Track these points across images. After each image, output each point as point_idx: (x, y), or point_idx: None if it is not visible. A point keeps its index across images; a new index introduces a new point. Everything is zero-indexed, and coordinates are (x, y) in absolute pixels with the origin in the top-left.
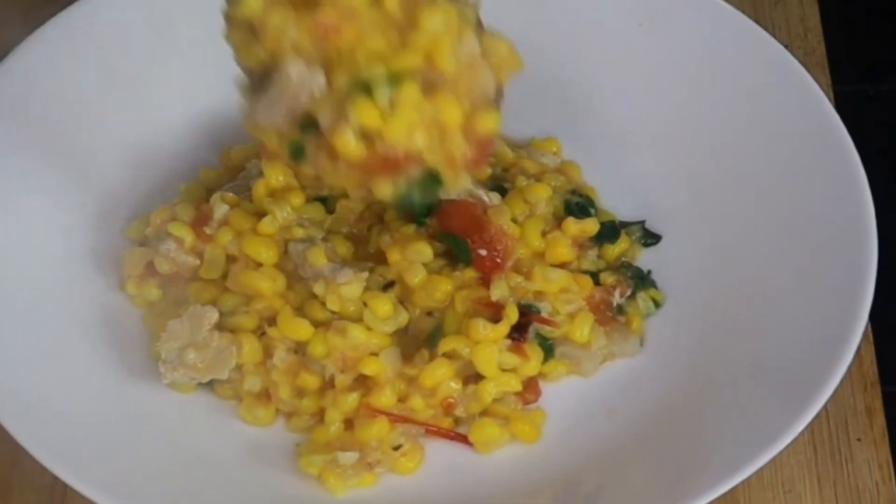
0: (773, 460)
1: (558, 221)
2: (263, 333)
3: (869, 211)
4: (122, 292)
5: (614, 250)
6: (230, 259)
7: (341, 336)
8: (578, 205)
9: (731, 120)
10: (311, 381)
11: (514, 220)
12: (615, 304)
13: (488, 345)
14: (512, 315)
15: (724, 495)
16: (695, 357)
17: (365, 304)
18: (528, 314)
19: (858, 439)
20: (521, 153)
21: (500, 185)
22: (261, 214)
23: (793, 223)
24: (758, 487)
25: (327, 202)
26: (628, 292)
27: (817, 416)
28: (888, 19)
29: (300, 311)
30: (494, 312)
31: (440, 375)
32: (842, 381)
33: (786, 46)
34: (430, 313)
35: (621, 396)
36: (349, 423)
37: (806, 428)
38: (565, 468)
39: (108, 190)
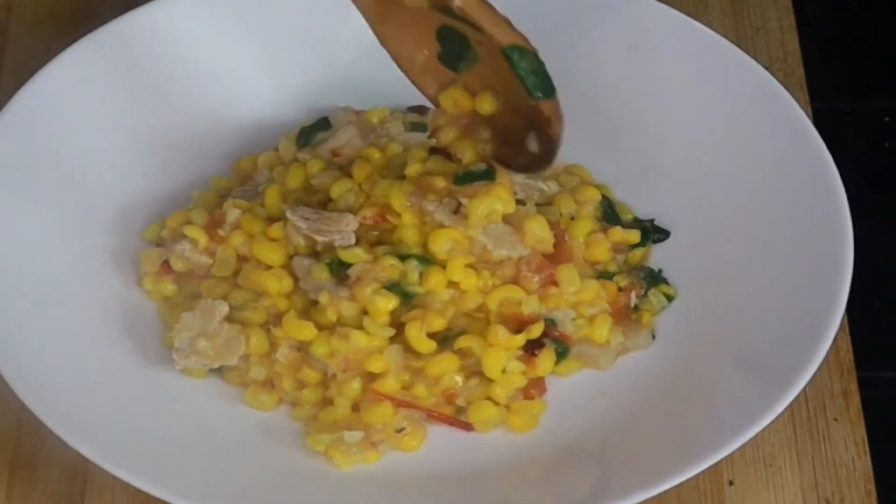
0: (755, 437)
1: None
2: (270, 328)
3: (845, 215)
4: (140, 288)
5: (637, 255)
6: (241, 259)
7: (344, 341)
8: (612, 210)
9: (719, 134)
10: (312, 375)
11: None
12: (633, 304)
13: (500, 350)
14: (535, 331)
15: (710, 468)
16: (686, 344)
17: (365, 312)
18: (547, 330)
19: (835, 419)
20: None
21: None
22: (271, 218)
23: (776, 226)
24: (741, 462)
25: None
26: (642, 292)
27: (796, 399)
28: (859, 44)
29: (305, 313)
30: (517, 322)
31: (445, 367)
32: (820, 367)
33: (767, 69)
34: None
35: (613, 380)
36: (355, 407)
37: (786, 409)
38: (559, 445)
39: (127, 196)
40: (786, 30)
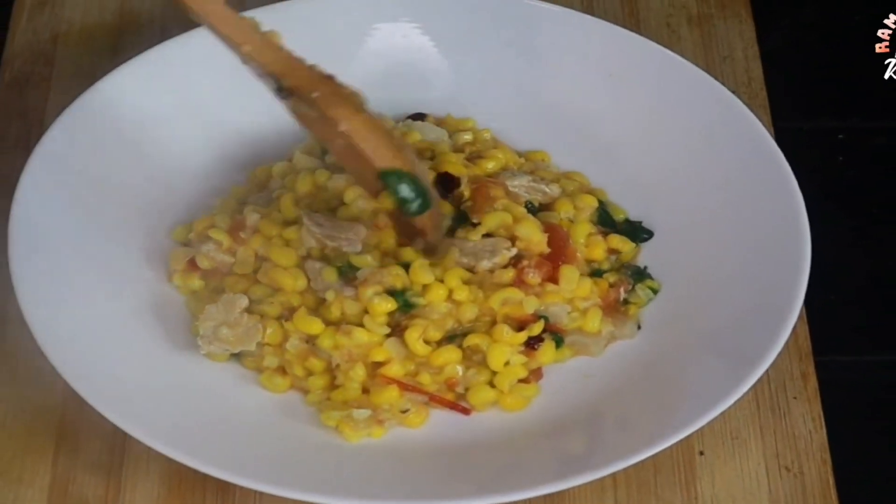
0: (723, 413)
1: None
2: (284, 321)
3: (803, 220)
4: (170, 283)
5: (629, 255)
6: (259, 258)
7: (347, 336)
8: (606, 213)
9: (693, 150)
10: (317, 364)
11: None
12: (622, 298)
13: (505, 346)
14: (536, 329)
15: (682, 441)
16: (663, 332)
17: (366, 311)
18: (546, 326)
19: (795, 397)
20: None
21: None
22: (286, 222)
23: (743, 229)
24: (710, 435)
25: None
26: (630, 288)
27: (760, 380)
28: (816, 71)
29: (315, 310)
30: (518, 321)
31: (448, 358)
32: (781, 352)
33: (733, 92)
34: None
35: (597, 363)
36: (365, 389)
37: (751, 388)
38: (547, 421)
39: (158, 203)
40: (750, 59)
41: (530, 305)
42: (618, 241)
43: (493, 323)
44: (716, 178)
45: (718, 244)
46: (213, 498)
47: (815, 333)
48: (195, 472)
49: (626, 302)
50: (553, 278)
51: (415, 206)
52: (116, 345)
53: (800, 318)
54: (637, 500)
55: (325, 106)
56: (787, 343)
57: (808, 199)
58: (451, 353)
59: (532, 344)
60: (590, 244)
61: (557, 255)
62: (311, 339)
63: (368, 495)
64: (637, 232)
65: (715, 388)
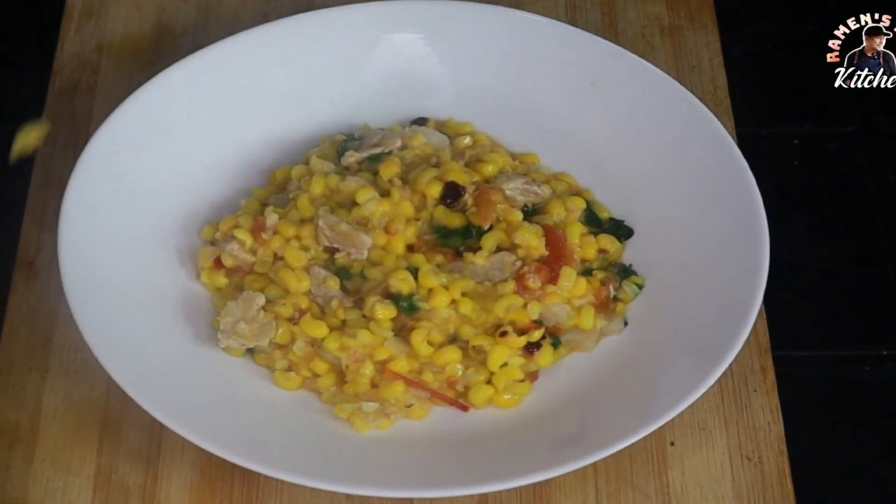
0: (691, 405)
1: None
2: (293, 324)
3: (763, 223)
4: (198, 281)
5: (616, 253)
6: (277, 258)
7: (353, 338)
8: (593, 213)
9: (661, 153)
10: (321, 366)
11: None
12: (612, 296)
13: (505, 349)
14: (536, 336)
15: (655, 432)
16: (636, 331)
17: (365, 316)
18: (546, 329)
19: (755, 390)
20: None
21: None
22: (303, 220)
23: (708, 233)
24: (680, 426)
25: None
26: (618, 285)
27: (724, 374)
28: (776, 79)
29: (322, 315)
30: (519, 327)
31: (449, 357)
32: (743, 347)
33: (700, 99)
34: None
35: (579, 357)
36: (374, 384)
37: (716, 382)
38: (535, 416)
39: (189, 204)
40: (715, 67)
41: (534, 311)
42: (606, 240)
43: (498, 326)
44: (684, 183)
45: (685, 246)
46: (241, 485)
47: (772, 330)
48: (224, 461)
49: (615, 299)
50: (552, 280)
51: None
52: (153, 340)
53: (759, 314)
54: (615, 489)
55: None
56: (748, 339)
57: (767, 200)
58: (452, 354)
59: (531, 349)
60: (583, 244)
61: (557, 256)
62: (316, 343)
63: (378, 484)
64: (621, 230)
65: (685, 382)
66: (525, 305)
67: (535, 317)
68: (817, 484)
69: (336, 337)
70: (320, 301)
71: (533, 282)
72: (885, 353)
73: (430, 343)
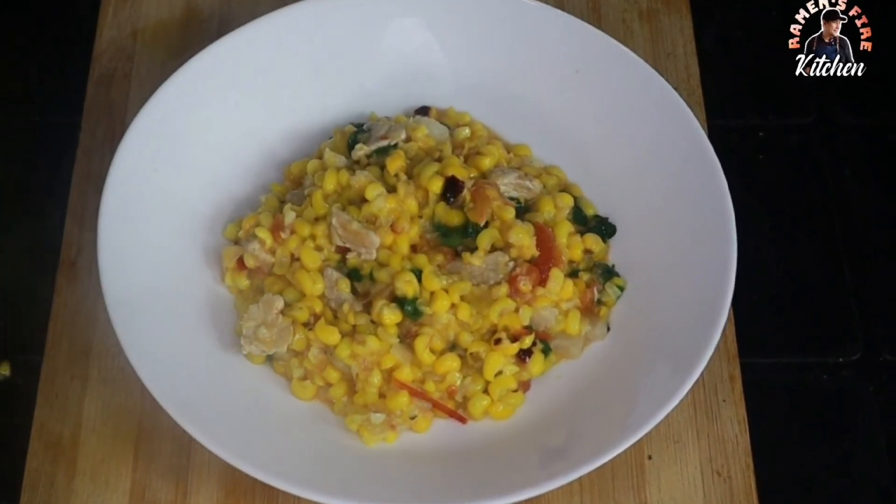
0: (667, 417)
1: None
2: (308, 329)
3: (732, 226)
4: (222, 283)
5: (601, 253)
6: (294, 259)
7: (362, 345)
8: (580, 210)
9: (636, 140)
10: (334, 375)
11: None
12: (597, 298)
13: (500, 355)
14: (527, 342)
15: (635, 444)
16: (618, 336)
17: (373, 321)
18: (536, 335)
19: (724, 400)
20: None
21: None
22: (318, 218)
23: (678, 235)
24: (657, 439)
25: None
26: (601, 287)
27: (696, 382)
28: (746, 72)
29: (335, 321)
30: (512, 334)
31: (449, 365)
32: (714, 353)
33: (675, 89)
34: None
35: (565, 365)
36: (381, 395)
37: (691, 389)
38: (527, 429)
39: (213, 201)
40: (689, 55)
41: (525, 316)
42: (591, 240)
43: (493, 332)
44: (660, 181)
45: (659, 245)
46: (262, 500)
47: (740, 336)
48: (247, 476)
49: (599, 302)
50: (541, 282)
51: None
52: (182, 347)
53: (728, 318)
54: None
55: None
56: (718, 345)
57: (736, 199)
58: (452, 362)
59: (523, 357)
60: (570, 244)
61: (546, 258)
62: (329, 350)
63: (387, 499)
64: (605, 227)
65: (664, 388)
66: (517, 310)
67: (527, 322)
68: (781, 497)
69: (347, 344)
70: (333, 305)
71: (524, 284)
72: (840, 360)
73: (431, 350)
